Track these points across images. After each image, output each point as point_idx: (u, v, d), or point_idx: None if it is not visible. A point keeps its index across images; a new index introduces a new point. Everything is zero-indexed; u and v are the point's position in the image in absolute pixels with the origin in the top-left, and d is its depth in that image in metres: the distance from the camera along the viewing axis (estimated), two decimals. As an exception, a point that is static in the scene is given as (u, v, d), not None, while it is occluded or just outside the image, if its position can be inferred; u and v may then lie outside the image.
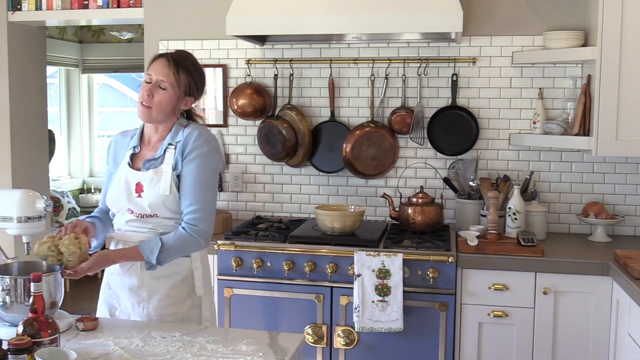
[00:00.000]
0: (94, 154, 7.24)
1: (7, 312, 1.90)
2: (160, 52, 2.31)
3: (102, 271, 2.29)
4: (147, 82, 2.20)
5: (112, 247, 2.31)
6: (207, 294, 2.32)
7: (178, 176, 2.19)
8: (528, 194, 3.22)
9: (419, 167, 3.43)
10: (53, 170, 6.06)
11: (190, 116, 2.33)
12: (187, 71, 2.21)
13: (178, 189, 2.19)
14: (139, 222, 2.22)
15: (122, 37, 6.61)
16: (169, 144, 2.21)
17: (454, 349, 2.87)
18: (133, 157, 2.28)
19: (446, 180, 3.37)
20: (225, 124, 3.61)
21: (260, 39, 3.48)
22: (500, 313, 2.81)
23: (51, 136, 5.56)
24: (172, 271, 2.22)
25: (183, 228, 2.18)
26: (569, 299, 2.78)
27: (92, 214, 2.38)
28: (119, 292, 2.27)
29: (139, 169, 2.23)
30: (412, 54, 3.41)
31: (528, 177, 3.26)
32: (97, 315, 2.30)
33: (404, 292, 2.79)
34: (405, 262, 2.81)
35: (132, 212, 2.22)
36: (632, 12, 2.83)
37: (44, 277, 1.74)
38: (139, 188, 2.20)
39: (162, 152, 2.21)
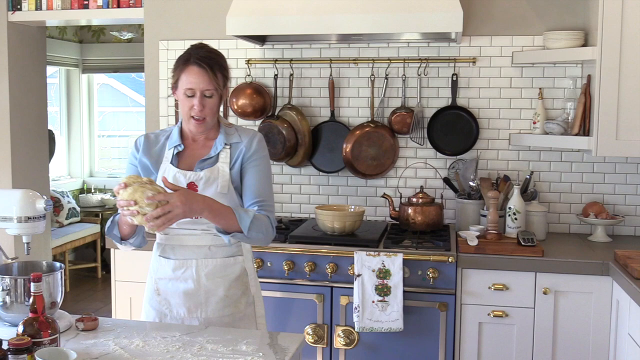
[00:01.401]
0: (94, 154, 7.24)
1: (7, 312, 1.90)
2: (179, 55, 2.17)
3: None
4: (190, 96, 2.12)
5: (155, 250, 2.25)
6: (257, 291, 2.30)
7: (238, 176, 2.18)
8: (528, 194, 3.22)
9: (419, 167, 3.43)
10: (53, 170, 6.07)
11: None
12: (220, 68, 2.15)
13: (235, 188, 2.17)
14: (192, 223, 2.16)
15: (122, 37, 6.62)
16: (225, 144, 2.18)
17: (454, 349, 2.87)
18: (178, 156, 2.21)
19: (446, 180, 3.37)
20: (225, 124, 3.61)
21: (260, 39, 3.48)
22: (500, 313, 2.81)
23: (51, 136, 5.57)
24: (227, 271, 2.19)
25: (265, 215, 2.14)
26: (569, 299, 2.78)
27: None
28: (170, 298, 2.21)
29: (188, 169, 2.18)
30: (412, 54, 3.41)
31: (528, 177, 3.26)
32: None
33: (404, 292, 2.79)
34: (405, 262, 2.81)
35: None
36: (632, 12, 2.83)
37: (44, 277, 1.74)
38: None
39: (217, 151, 2.17)
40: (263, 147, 2.23)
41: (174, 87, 2.17)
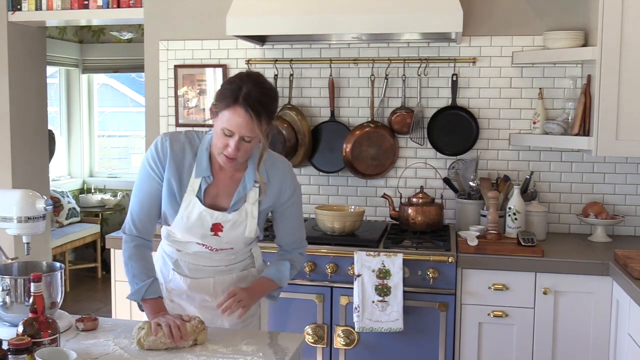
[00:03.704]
0: (94, 154, 7.23)
1: (7, 312, 1.90)
2: (230, 82, 1.96)
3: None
4: (227, 135, 1.93)
5: (163, 257, 2.20)
6: None
7: (270, 212, 2.16)
8: (528, 194, 3.22)
9: (419, 167, 3.43)
10: (53, 170, 6.06)
11: None
12: (268, 114, 1.94)
13: (258, 224, 2.12)
14: (211, 253, 2.13)
15: (122, 37, 6.62)
16: (255, 182, 2.05)
17: (454, 349, 2.87)
18: (205, 189, 2.05)
19: (446, 180, 3.37)
20: (225, 124, 3.60)
21: (260, 39, 3.48)
22: (500, 313, 2.81)
23: (51, 136, 5.57)
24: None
25: (299, 253, 2.22)
26: (569, 299, 2.78)
27: (141, 266, 2.06)
28: (185, 306, 2.16)
29: (210, 204, 2.04)
30: (412, 54, 3.41)
31: (528, 177, 3.26)
32: None
33: (404, 292, 2.79)
34: (405, 262, 2.81)
35: (204, 246, 2.10)
36: (632, 12, 2.83)
37: (44, 277, 1.74)
38: (216, 228, 2.04)
39: (246, 190, 2.05)
40: (295, 184, 2.14)
41: (214, 113, 1.97)
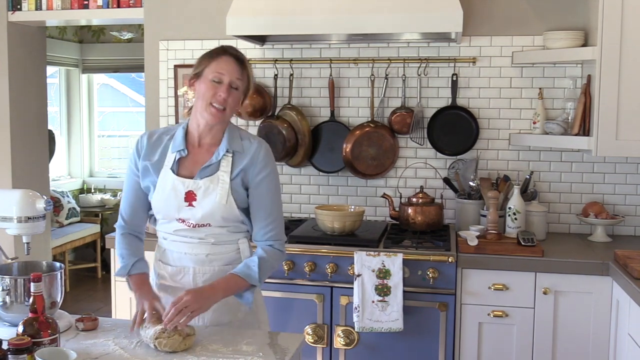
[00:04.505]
0: (94, 154, 7.24)
1: (7, 312, 1.90)
2: (209, 50, 2.17)
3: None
4: (217, 82, 2.08)
5: (156, 251, 2.23)
6: (259, 297, 2.26)
7: (246, 189, 2.14)
8: (528, 194, 3.22)
9: (419, 167, 3.43)
10: (53, 170, 6.06)
11: None
12: (249, 68, 2.16)
13: (234, 198, 2.12)
14: (190, 231, 2.13)
15: (122, 37, 6.62)
16: (227, 151, 2.12)
17: (454, 349, 2.87)
18: (179, 161, 2.14)
19: (446, 180, 3.37)
20: (225, 124, 3.60)
21: (260, 39, 3.48)
22: (500, 313, 2.81)
23: (51, 136, 5.57)
24: None
25: (270, 245, 2.14)
26: (569, 299, 2.78)
27: (130, 252, 2.17)
28: (171, 300, 2.15)
29: (188, 176, 2.11)
30: (412, 54, 3.41)
31: (528, 177, 3.26)
32: None
33: (404, 292, 2.79)
34: (405, 262, 2.81)
35: (183, 222, 2.12)
36: (632, 12, 2.83)
37: (44, 277, 1.74)
38: (189, 197, 2.09)
39: (219, 158, 2.11)
40: (269, 160, 2.17)
41: (197, 77, 2.12)
